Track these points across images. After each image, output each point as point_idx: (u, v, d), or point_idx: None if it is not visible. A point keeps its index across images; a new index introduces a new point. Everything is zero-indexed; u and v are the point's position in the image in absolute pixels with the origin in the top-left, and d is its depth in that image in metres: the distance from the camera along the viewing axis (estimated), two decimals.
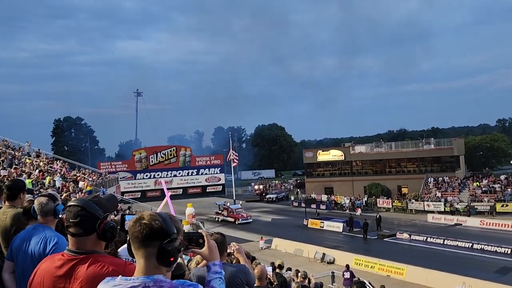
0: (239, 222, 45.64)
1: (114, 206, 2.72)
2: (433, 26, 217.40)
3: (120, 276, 2.06)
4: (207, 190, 72.90)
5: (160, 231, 2.01)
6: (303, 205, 52.48)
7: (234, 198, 60.81)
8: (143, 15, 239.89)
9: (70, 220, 2.41)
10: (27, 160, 27.72)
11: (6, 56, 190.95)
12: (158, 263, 2.02)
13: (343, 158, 61.85)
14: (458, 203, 45.19)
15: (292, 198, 64.37)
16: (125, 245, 3.44)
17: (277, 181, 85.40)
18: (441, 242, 32.42)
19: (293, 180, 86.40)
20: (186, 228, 29.39)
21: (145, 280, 1.98)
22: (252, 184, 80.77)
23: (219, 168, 75.06)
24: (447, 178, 51.82)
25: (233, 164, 62.79)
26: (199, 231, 2.46)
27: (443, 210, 45.09)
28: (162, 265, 2.04)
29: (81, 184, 27.84)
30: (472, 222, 39.84)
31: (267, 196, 66.40)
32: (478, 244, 30.77)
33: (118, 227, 2.60)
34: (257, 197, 68.32)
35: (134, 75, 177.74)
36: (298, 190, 70.90)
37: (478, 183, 49.44)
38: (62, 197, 15.05)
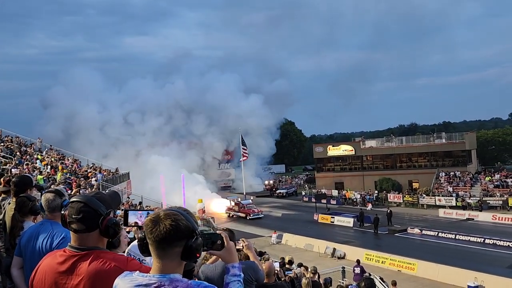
0: (250, 217, 45.65)
1: (117, 203, 2.69)
2: (443, 20, 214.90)
3: (137, 271, 2.04)
4: (218, 186, 72.96)
5: (187, 230, 1.96)
6: (313, 200, 52.28)
7: (245, 193, 60.78)
8: (151, 10, 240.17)
9: (73, 216, 2.39)
10: (39, 157, 27.89)
11: (15, 53, 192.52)
12: (181, 261, 1.99)
13: (354, 153, 61.70)
14: (470, 198, 44.89)
15: (303, 193, 64.26)
16: (135, 242, 3.42)
17: (287, 176, 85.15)
18: (453, 237, 32.19)
19: (303, 175, 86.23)
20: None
21: (161, 278, 1.95)
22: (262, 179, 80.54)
23: (229, 164, 75.11)
24: (459, 172, 51.52)
25: (243, 159, 62.36)
26: (218, 232, 2.41)
27: (454, 205, 44.79)
28: (189, 261, 2.02)
29: (93, 180, 28.05)
30: (484, 217, 39.55)
31: (278, 191, 66.39)
32: (490, 239, 30.58)
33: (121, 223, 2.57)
34: (267, 192, 68.31)
35: (143, 70, 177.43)
36: (308, 185, 70.85)
37: (490, 177, 49.10)
38: (72, 192, 15.16)
